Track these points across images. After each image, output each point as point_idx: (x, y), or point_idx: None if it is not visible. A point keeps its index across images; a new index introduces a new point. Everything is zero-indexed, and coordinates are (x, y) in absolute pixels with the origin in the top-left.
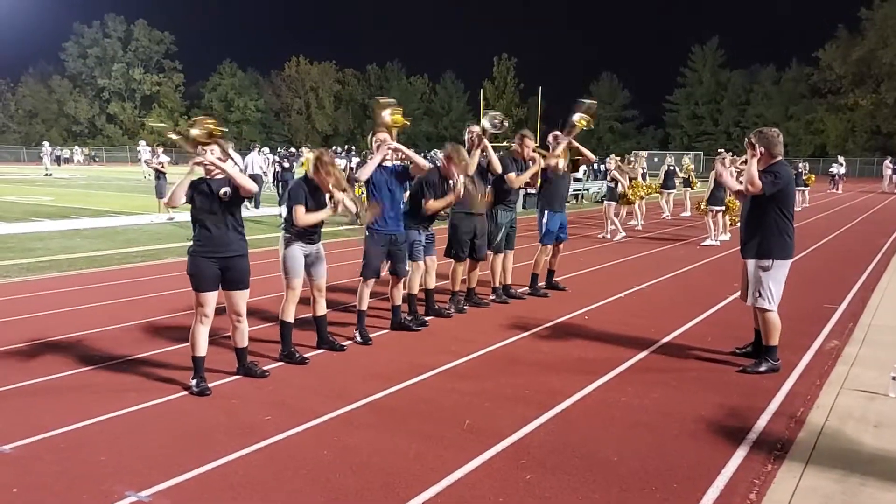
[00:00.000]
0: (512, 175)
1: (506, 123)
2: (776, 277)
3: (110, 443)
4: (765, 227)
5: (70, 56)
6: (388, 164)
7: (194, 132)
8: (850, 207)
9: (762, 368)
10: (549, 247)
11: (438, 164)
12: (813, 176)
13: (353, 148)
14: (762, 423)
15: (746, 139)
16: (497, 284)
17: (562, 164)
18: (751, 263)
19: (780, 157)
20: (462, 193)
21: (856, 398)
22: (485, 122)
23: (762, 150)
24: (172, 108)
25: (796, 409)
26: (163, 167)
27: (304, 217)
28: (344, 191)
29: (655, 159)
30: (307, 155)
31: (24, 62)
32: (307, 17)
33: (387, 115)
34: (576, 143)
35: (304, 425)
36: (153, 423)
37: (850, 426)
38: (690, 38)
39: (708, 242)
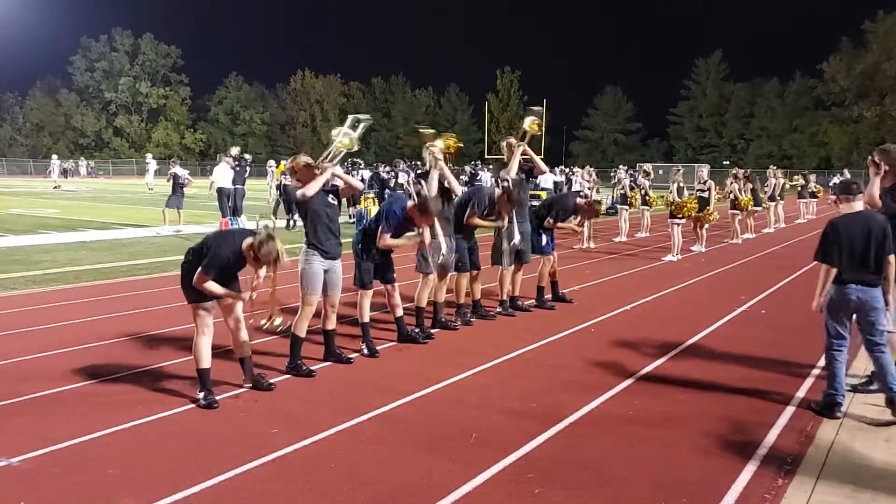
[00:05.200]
0: (474, 218)
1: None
2: None
3: (118, 456)
4: None
5: (77, 70)
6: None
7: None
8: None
9: (873, 386)
10: (551, 257)
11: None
12: (821, 188)
13: (361, 161)
14: (772, 437)
15: (870, 157)
16: (504, 297)
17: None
18: None
19: None
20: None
21: (866, 412)
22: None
23: (886, 167)
24: (179, 122)
25: (806, 423)
26: (187, 181)
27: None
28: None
29: (660, 171)
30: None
31: (32, 76)
32: (312, 31)
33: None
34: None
35: (311, 438)
36: (161, 435)
37: (861, 440)
38: (693, 51)
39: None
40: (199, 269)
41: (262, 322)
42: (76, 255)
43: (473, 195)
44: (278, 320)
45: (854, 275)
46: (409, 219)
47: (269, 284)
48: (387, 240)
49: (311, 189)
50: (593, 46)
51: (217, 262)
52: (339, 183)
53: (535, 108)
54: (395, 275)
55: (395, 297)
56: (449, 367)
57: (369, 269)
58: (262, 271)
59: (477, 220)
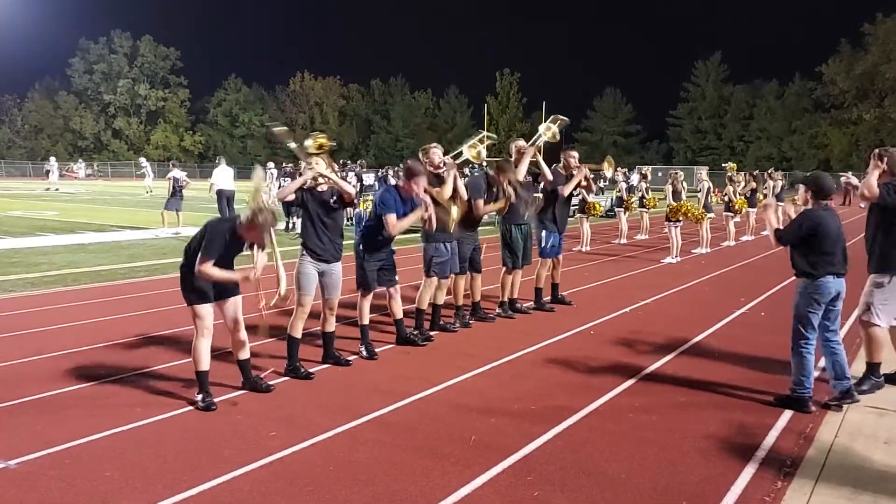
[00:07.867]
0: (479, 202)
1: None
2: (890, 293)
3: (116, 458)
4: (888, 242)
5: (76, 72)
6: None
7: (308, 143)
8: (852, 222)
9: (865, 387)
10: (549, 260)
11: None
12: None
13: (363, 162)
14: (771, 439)
15: (875, 152)
16: (504, 299)
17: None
18: (869, 278)
19: None
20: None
21: (865, 414)
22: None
23: (885, 167)
24: (178, 124)
25: (805, 425)
26: (185, 183)
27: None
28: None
29: (659, 174)
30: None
31: (31, 78)
32: (312, 32)
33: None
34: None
35: (309, 441)
36: (158, 438)
37: (860, 443)
38: (693, 54)
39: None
40: (200, 253)
41: (273, 301)
42: (74, 258)
43: (468, 185)
44: (283, 289)
45: (835, 267)
46: (404, 191)
47: (272, 260)
48: (394, 221)
49: (282, 193)
50: (593, 48)
51: (216, 241)
52: (349, 189)
53: (563, 118)
54: (397, 277)
55: (396, 300)
56: (448, 370)
57: (372, 272)
58: (260, 257)
59: (482, 205)
